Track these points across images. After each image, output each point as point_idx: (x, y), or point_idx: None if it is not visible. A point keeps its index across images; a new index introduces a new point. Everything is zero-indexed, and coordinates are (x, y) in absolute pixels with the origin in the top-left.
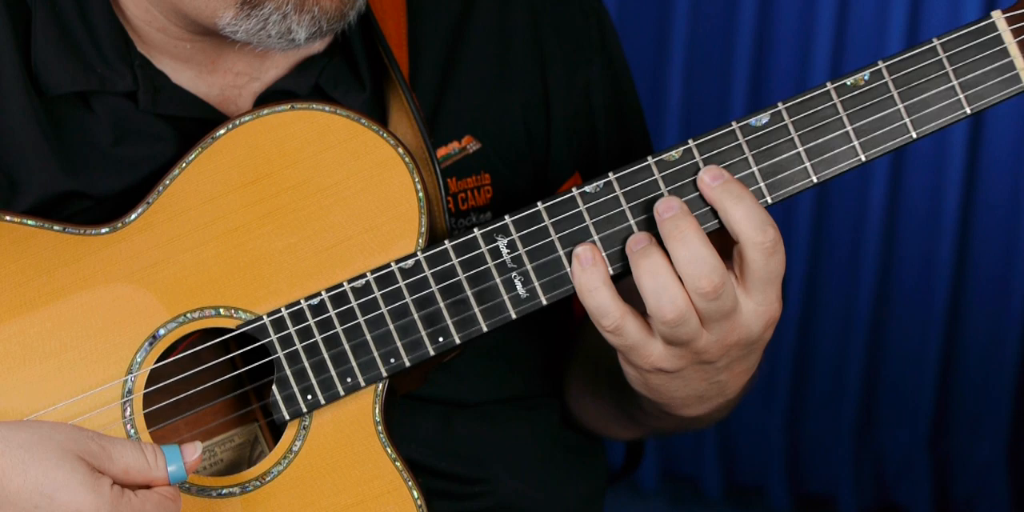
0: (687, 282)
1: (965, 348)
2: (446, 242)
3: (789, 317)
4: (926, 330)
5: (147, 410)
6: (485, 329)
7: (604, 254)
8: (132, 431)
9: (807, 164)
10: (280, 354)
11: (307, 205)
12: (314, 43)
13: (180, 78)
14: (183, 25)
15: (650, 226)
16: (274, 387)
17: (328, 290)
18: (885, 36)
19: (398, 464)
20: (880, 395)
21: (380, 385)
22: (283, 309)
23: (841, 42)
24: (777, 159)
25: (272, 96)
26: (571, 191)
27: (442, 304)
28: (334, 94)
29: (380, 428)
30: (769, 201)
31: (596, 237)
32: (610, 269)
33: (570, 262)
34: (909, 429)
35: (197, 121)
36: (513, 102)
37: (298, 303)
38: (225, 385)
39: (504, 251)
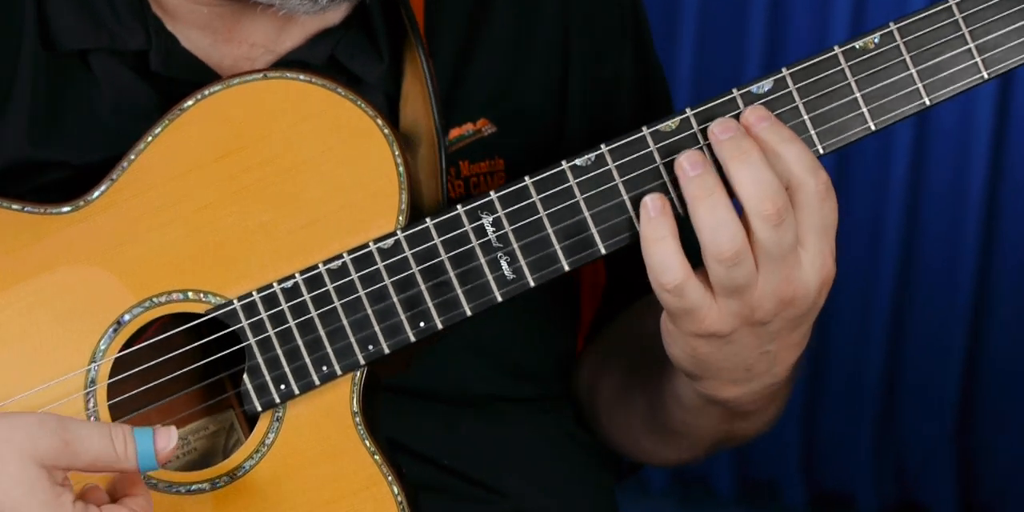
0: (749, 205)
1: (992, 336)
2: (427, 220)
3: None
4: (951, 316)
5: (112, 401)
6: (469, 313)
7: (599, 228)
8: None
9: (812, 133)
10: (251, 341)
11: (281, 181)
12: (340, 6)
13: (194, 46)
14: None
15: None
16: (245, 376)
17: (302, 272)
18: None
19: (377, 457)
20: (901, 386)
21: (358, 373)
22: (255, 293)
23: (861, 8)
24: None
25: (283, 67)
26: (560, 164)
27: (423, 286)
28: (351, 65)
29: (358, 419)
30: None
31: (587, 213)
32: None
33: (559, 240)
34: (933, 422)
35: None
36: (534, 88)
37: (271, 286)
38: (196, 373)
39: (489, 229)
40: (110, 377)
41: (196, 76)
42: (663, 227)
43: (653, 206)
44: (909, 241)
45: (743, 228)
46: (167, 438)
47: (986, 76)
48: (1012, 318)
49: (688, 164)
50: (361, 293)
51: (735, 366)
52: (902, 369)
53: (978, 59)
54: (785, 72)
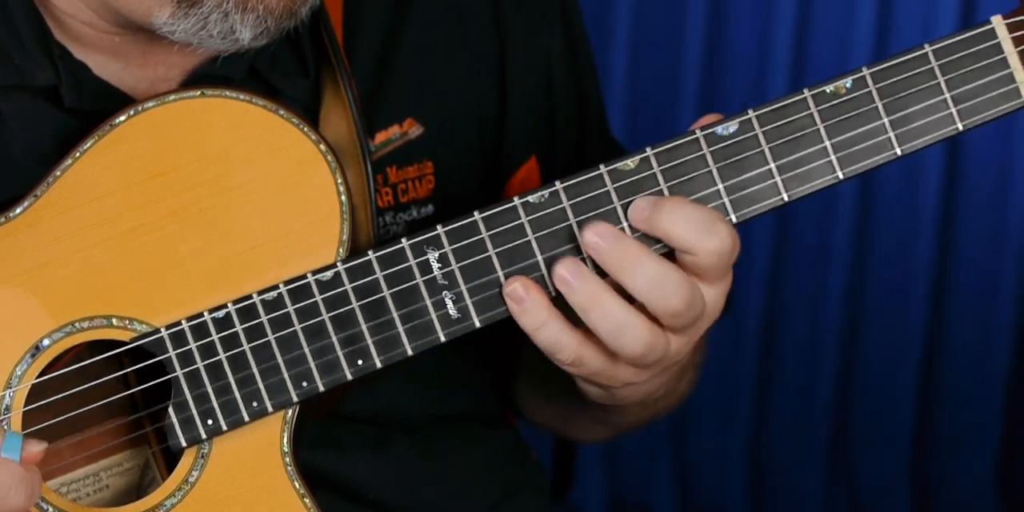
0: (655, 306)
1: (949, 354)
2: (370, 253)
3: (749, 321)
4: (905, 334)
5: (26, 431)
6: (410, 352)
7: (534, 276)
8: None
9: (778, 180)
10: (179, 373)
11: (215, 205)
12: (261, 43)
13: (105, 71)
14: (113, 20)
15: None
16: (171, 410)
17: (235, 302)
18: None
19: (307, 501)
20: (853, 411)
21: (290, 411)
22: (184, 322)
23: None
24: (746, 175)
25: (202, 80)
26: (512, 200)
27: (363, 323)
28: (272, 78)
29: (288, 459)
30: (734, 219)
31: (539, 256)
32: (551, 290)
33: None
34: (887, 450)
35: None
36: (463, 80)
37: (201, 316)
38: (115, 405)
39: (435, 266)
40: (25, 405)
41: (113, 106)
42: (538, 313)
43: (517, 295)
44: (860, 260)
45: (647, 321)
46: (36, 444)
47: (961, 128)
48: (969, 337)
49: (565, 273)
50: (297, 327)
51: (650, 391)
52: (854, 392)
53: (953, 110)
54: (752, 114)
